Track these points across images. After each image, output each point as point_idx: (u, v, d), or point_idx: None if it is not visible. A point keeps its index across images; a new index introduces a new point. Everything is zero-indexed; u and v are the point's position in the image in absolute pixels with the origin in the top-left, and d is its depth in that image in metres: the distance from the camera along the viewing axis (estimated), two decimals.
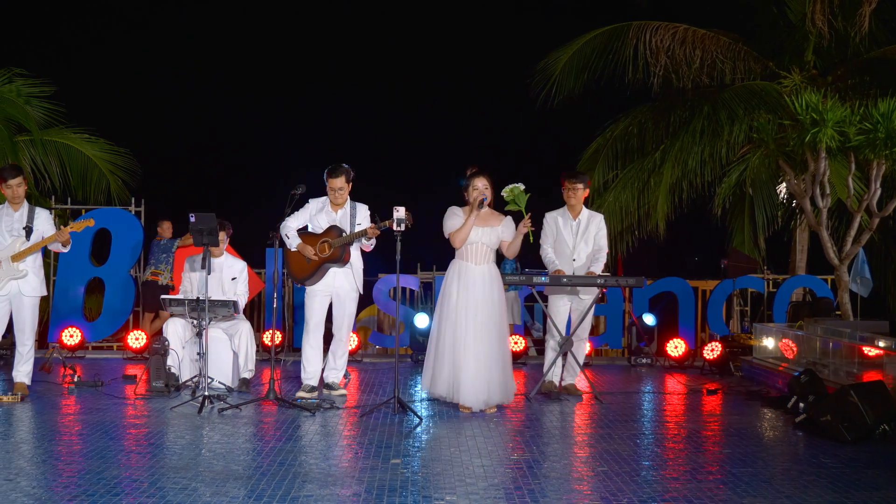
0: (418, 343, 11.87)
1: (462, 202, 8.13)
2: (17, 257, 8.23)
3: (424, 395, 8.72)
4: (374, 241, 8.57)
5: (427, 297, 13.68)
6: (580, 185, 9.06)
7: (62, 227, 8.46)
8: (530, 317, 13.35)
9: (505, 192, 8.03)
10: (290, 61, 25.89)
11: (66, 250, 8.54)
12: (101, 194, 15.35)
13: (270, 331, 11.55)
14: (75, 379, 9.21)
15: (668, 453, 6.50)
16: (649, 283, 12.22)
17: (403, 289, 13.70)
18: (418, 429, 7.14)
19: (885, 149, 9.81)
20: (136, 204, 13.30)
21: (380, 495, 5.11)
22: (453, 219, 8.02)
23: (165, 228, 12.98)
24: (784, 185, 14.53)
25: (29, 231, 8.29)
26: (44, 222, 8.41)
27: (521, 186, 8.02)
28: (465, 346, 7.83)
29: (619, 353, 13.14)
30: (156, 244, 12.79)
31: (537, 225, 9.00)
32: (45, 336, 11.78)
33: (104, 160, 15.45)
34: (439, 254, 12.28)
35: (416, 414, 7.65)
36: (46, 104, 15.13)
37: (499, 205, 8.17)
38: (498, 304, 7.98)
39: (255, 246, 12.14)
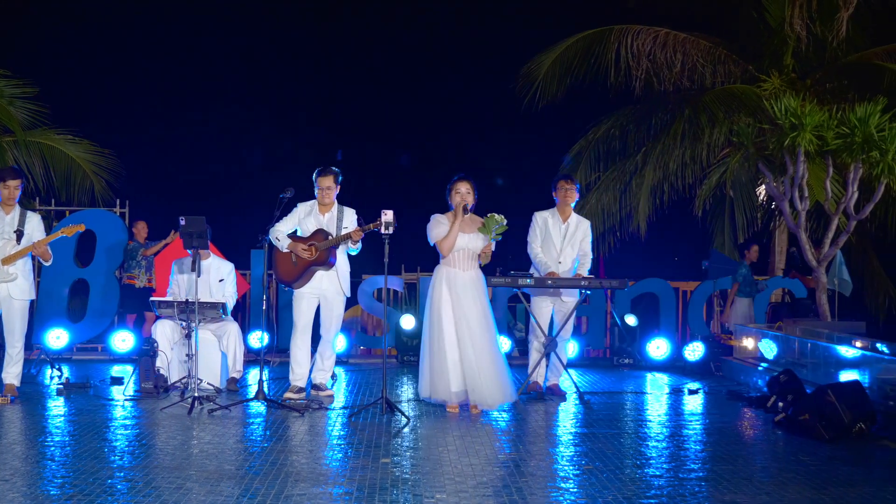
0: (403, 344, 11.98)
1: (445, 207, 8.24)
2: (8, 260, 8.29)
3: (411, 396, 8.86)
4: (360, 245, 8.67)
5: (411, 299, 13.79)
6: (576, 186, 9.23)
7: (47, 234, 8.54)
8: (513, 317, 13.47)
9: (496, 218, 8.05)
10: (274, 61, 25.96)
11: (47, 264, 8.62)
12: (85, 195, 15.31)
13: (258, 332, 11.65)
14: (63, 380, 9.28)
15: (652, 452, 6.63)
16: (631, 284, 12.37)
17: (388, 290, 13.81)
18: (406, 429, 7.25)
19: (861, 153, 10.00)
20: (121, 205, 13.34)
21: (371, 494, 5.22)
22: (438, 227, 8.10)
23: (140, 229, 12.93)
24: (763, 187, 14.73)
25: (20, 235, 8.34)
26: (35, 227, 8.48)
27: (504, 222, 8.09)
28: (473, 352, 7.90)
29: (601, 353, 13.27)
30: (126, 249, 12.64)
31: (521, 229, 9.17)
32: (29, 338, 11.80)
33: (88, 161, 15.41)
34: (422, 255, 12.41)
35: (403, 414, 7.75)
36: (30, 105, 15.08)
37: (480, 210, 8.27)
38: (488, 307, 8.10)
39: (239, 247, 12.23)
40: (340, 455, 6.31)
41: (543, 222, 9.25)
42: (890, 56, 14.75)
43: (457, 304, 7.97)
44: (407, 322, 11.92)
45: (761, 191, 15.29)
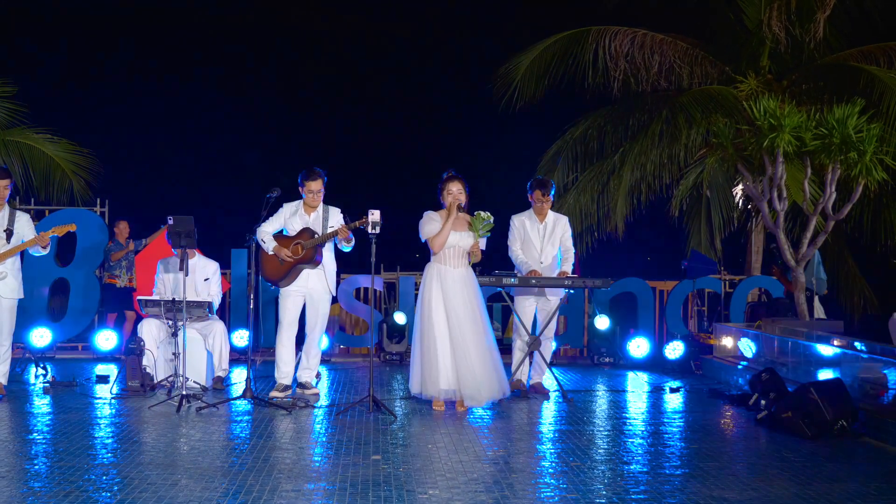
0: (385, 342, 12.04)
1: (425, 205, 8.31)
2: None
3: (397, 394, 8.93)
4: (353, 242, 8.71)
5: (390, 298, 13.84)
6: (551, 196, 9.31)
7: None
8: (490, 317, 13.50)
9: (483, 216, 8.13)
10: (255, 62, 25.95)
11: (45, 252, 8.60)
12: (65, 195, 15.26)
13: (243, 331, 11.67)
14: (49, 379, 9.29)
15: (637, 449, 6.73)
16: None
17: (367, 289, 13.85)
18: (394, 426, 7.32)
19: (839, 154, 10.12)
20: (100, 205, 13.32)
21: (364, 490, 5.29)
22: (431, 224, 8.17)
23: (122, 228, 12.90)
24: (740, 187, 14.86)
25: (9, 234, 8.35)
26: (24, 226, 8.48)
27: (491, 220, 8.18)
28: (463, 349, 7.95)
29: (578, 352, 13.36)
30: (106, 249, 12.61)
31: (504, 227, 9.25)
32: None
33: (67, 160, 15.36)
34: (403, 255, 12.46)
35: (390, 412, 7.82)
36: (8, 104, 15.05)
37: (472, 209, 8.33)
38: (481, 303, 8.18)
39: (220, 246, 12.21)
40: (331, 452, 6.36)
41: (521, 225, 9.34)
42: (865, 57, 14.90)
43: (448, 300, 8.03)
44: (399, 318, 12.02)
45: (738, 191, 15.41)
